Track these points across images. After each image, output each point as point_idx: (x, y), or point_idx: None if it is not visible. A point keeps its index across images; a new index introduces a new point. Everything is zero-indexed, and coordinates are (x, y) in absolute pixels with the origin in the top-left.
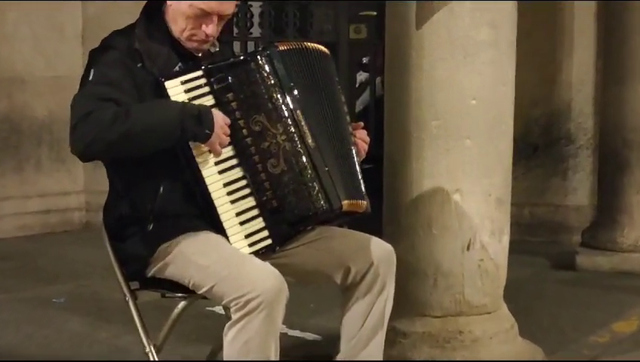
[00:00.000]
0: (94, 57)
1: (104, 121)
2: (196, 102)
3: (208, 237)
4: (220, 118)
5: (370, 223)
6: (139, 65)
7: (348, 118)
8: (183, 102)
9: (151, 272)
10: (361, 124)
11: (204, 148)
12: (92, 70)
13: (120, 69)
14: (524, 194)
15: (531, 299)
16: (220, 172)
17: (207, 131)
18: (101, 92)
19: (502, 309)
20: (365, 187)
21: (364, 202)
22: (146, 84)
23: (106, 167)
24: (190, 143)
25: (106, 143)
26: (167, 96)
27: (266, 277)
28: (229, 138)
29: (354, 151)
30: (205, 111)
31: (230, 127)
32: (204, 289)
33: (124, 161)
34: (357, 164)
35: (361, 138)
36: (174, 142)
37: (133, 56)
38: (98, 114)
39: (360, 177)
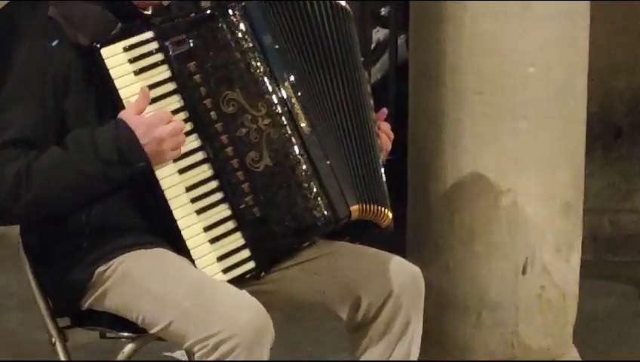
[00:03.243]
0: None
1: (3, 191)
2: (147, 75)
3: (165, 255)
4: (149, 125)
5: (389, 236)
6: (54, 43)
7: (371, 101)
8: (94, 144)
9: (86, 304)
10: (385, 111)
11: None
12: None
13: (26, 63)
14: (602, 196)
15: (612, 340)
16: (181, 171)
17: (141, 165)
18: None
19: (570, 354)
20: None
21: (386, 209)
22: (71, 68)
23: None
24: None
25: (14, 217)
26: (105, 69)
27: (244, 311)
28: (182, 136)
29: (375, 141)
30: (125, 143)
31: (190, 107)
32: (158, 327)
33: None
34: (378, 157)
35: (384, 132)
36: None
37: (45, 30)
38: None
39: (382, 175)
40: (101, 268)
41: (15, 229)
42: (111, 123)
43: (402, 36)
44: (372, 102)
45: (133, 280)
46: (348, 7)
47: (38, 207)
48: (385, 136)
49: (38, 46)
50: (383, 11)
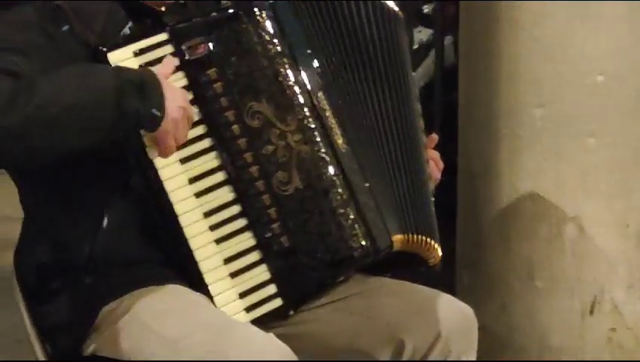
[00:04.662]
0: None
1: None
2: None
3: (179, 292)
4: (178, 94)
5: (436, 271)
6: (64, 28)
7: (421, 121)
8: (117, 67)
9: (90, 348)
10: (435, 137)
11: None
12: None
13: (33, 32)
14: None
15: None
16: (198, 194)
17: (154, 111)
18: None
19: None
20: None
21: (434, 242)
22: (78, 60)
23: (17, 182)
24: (147, 147)
25: (1, 133)
26: None
27: (270, 357)
28: (186, 131)
29: (425, 165)
30: (150, 78)
31: (209, 120)
32: None
33: (46, 174)
34: (427, 183)
35: (433, 160)
36: (108, 133)
37: (55, 16)
38: None
39: (431, 204)
40: (106, 308)
41: (7, 260)
42: None
43: (449, 37)
44: (422, 123)
45: (142, 321)
46: (398, 10)
47: (33, 126)
48: (433, 164)
49: (48, 27)
50: (426, 9)
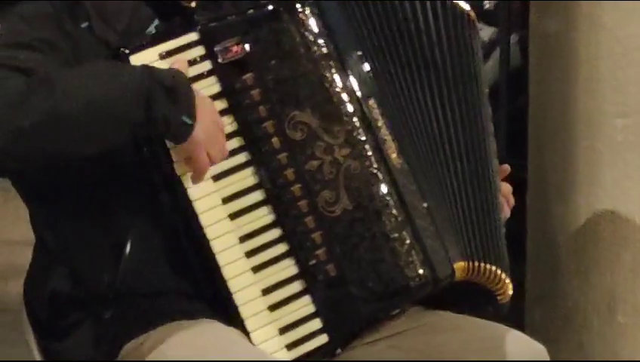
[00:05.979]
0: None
1: (8, 96)
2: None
3: (211, 328)
4: (209, 103)
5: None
6: (84, 25)
7: (494, 144)
8: (146, 65)
9: None
10: (507, 168)
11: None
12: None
13: (48, 28)
14: None
15: None
16: (233, 216)
17: (184, 118)
18: (6, 56)
19: None
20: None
21: (502, 273)
22: (98, 59)
23: (27, 203)
24: (175, 162)
25: (12, 133)
26: None
27: None
28: (224, 146)
29: (496, 189)
30: (182, 81)
31: (246, 132)
32: None
33: (60, 193)
34: (498, 209)
35: (502, 193)
36: (128, 137)
37: (74, 12)
38: None
39: (501, 232)
40: (130, 344)
41: (16, 289)
42: None
43: (515, 36)
44: (495, 146)
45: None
46: (470, 12)
47: (50, 125)
48: (503, 200)
49: (67, 24)
50: (487, 4)
